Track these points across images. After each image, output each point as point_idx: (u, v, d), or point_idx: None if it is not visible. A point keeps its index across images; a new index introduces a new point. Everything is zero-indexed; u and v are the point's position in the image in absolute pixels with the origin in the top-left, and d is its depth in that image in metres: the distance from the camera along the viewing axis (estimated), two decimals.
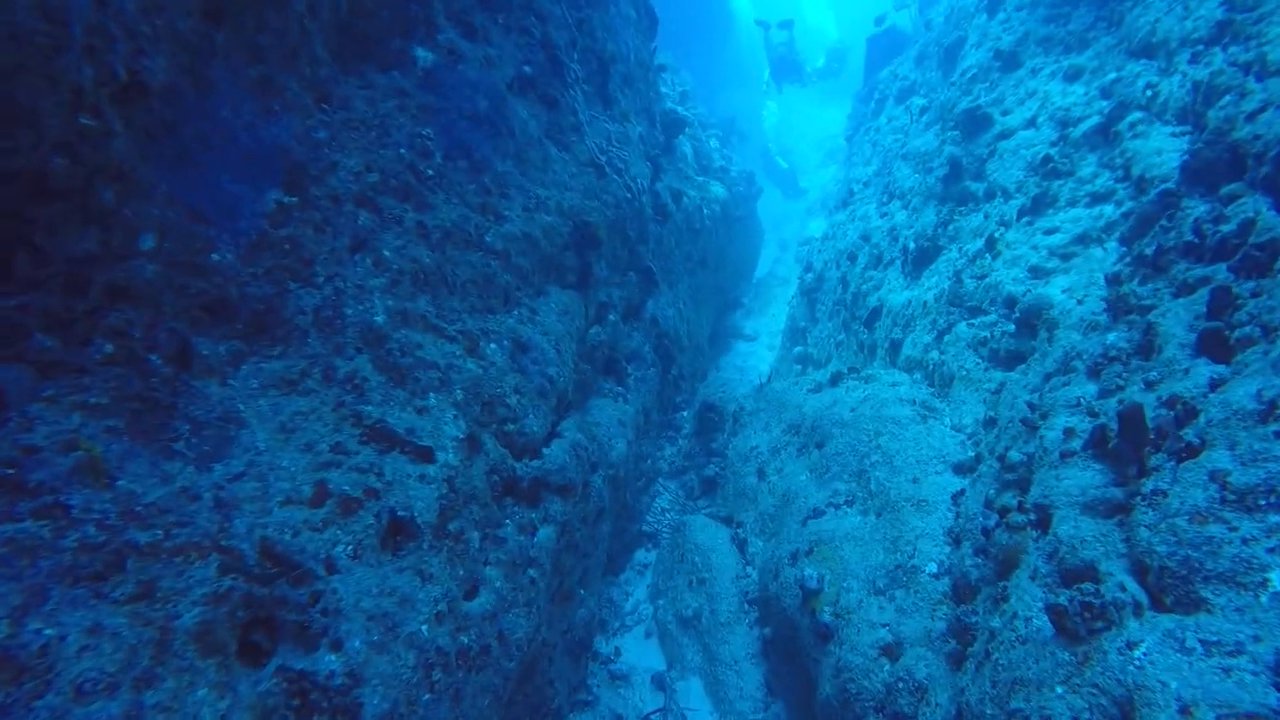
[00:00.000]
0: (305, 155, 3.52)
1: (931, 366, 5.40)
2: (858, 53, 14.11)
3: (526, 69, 5.26)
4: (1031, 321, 4.53)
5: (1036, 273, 4.94)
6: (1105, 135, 5.34)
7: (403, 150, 4.03)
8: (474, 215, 4.32)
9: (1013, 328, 4.68)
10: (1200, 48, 5.02)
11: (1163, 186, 4.12)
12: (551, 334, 4.49)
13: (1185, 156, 4.05)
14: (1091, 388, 3.18)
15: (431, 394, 3.44)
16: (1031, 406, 3.44)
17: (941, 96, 7.59)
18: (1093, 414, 2.98)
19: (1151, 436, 2.67)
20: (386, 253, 3.72)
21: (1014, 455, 3.31)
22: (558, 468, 3.89)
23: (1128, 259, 4.11)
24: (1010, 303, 4.92)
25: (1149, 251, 3.82)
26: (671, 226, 7.50)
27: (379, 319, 3.49)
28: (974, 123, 6.48)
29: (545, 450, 3.96)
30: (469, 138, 4.49)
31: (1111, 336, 3.24)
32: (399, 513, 2.80)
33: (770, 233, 15.25)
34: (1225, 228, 3.36)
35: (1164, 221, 3.88)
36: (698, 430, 6.68)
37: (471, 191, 4.38)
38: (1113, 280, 4.13)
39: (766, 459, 5.71)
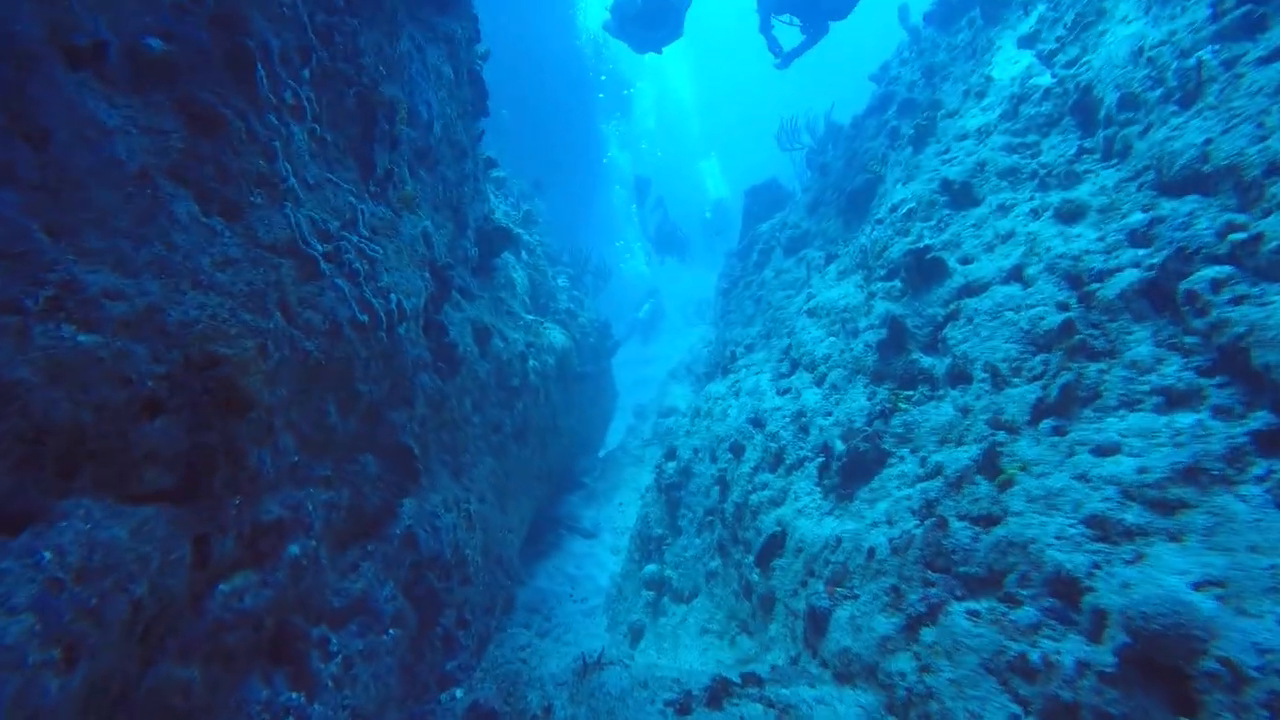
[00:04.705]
0: None
1: (903, 689, 2.83)
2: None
3: (152, 42, 2.61)
4: (1152, 656, 2.10)
5: (1104, 530, 2.60)
6: (1156, 298, 3.30)
7: None
8: None
9: (1111, 658, 2.22)
10: None
11: None
12: None
13: None
14: None
15: None
16: None
17: (863, 239, 5.60)
18: None
19: None
20: None
21: None
22: None
23: None
24: (1062, 588, 2.51)
25: None
26: (467, 380, 4.81)
27: None
28: (922, 270, 4.41)
29: None
30: None
31: None
32: None
33: (625, 396, 12.91)
34: None
35: None
36: None
37: None
38: None
39: None
